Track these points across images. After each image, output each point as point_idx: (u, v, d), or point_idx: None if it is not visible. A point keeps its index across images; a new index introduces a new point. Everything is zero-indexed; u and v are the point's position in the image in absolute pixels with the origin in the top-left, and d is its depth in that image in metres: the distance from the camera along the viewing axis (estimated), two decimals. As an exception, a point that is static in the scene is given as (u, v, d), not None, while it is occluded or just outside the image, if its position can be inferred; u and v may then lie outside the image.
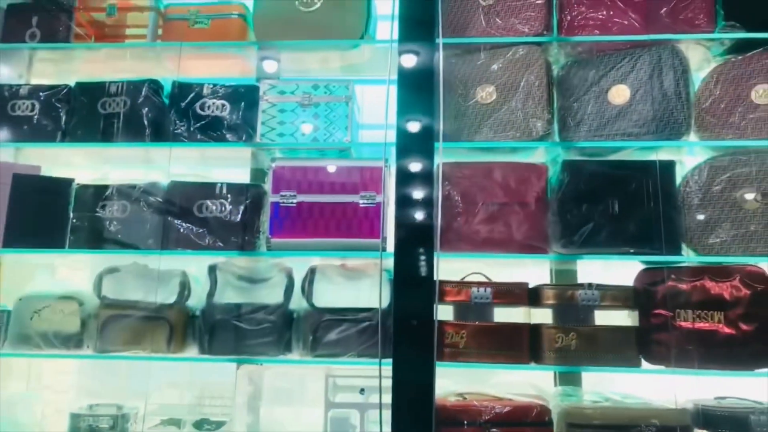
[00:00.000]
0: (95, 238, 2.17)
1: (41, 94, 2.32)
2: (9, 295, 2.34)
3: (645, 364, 1.90)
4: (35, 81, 2.50)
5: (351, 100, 2.22)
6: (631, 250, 1.96)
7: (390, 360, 1.87)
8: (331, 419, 1.94)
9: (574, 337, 1.90)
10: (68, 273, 2.39)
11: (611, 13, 2.08)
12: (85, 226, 2.18)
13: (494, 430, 1.84)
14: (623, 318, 2.00)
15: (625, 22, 2.07)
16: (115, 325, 2.07)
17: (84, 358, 2.07)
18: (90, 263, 2.46)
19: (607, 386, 2.15)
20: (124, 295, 2.12)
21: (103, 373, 2.36)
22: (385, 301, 1.97)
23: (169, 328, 2.06)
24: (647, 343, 1.89)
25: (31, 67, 2.56)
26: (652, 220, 1.94)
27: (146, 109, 2.26)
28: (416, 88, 2.03)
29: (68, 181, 2.26)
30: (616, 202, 1.95)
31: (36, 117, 2.30)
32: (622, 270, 2.24)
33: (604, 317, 2.01)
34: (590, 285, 1.94)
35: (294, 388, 2.08)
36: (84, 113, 2.29)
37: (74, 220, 2.20)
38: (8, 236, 2.17)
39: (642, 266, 2.00)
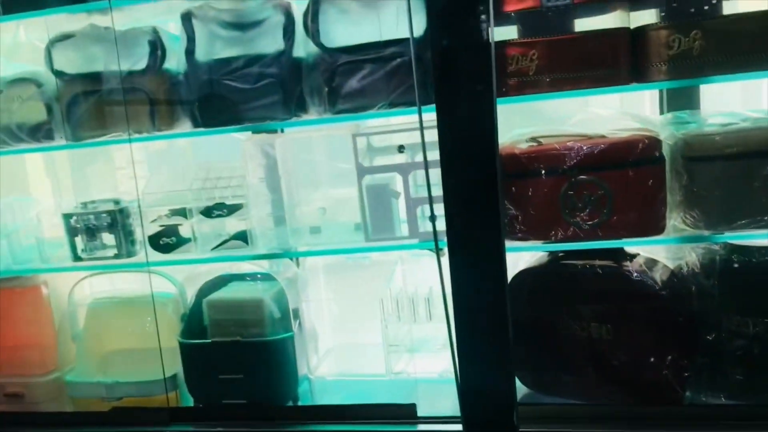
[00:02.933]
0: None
1: None
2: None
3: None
4: None
5: None
6: None
7: (433, 106, 1.38)
8: (367, 188, 1.52)
9: (698, 36, 1.30)
10: (24, 55, 1.90)
11: None
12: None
13: (583, 177, 1.37)
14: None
15: None
16: (82, 105, 1.63)
17: (57, 149, 1.69)
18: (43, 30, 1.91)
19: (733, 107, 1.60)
20: (84, 67, 1.65)
21: (90, 168, 2.01)
22: (419, 28, 1.41)
23: (148, 101, 1.60)
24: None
25: None
26: None
27: None
28: None
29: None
30: None
31: None
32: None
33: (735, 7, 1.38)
34: (725, -47, 1.28)
35: (315, 155, 1.64)
36: None
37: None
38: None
39: None
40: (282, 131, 1.75)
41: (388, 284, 1.60)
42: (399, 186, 1.51)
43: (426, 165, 1.37)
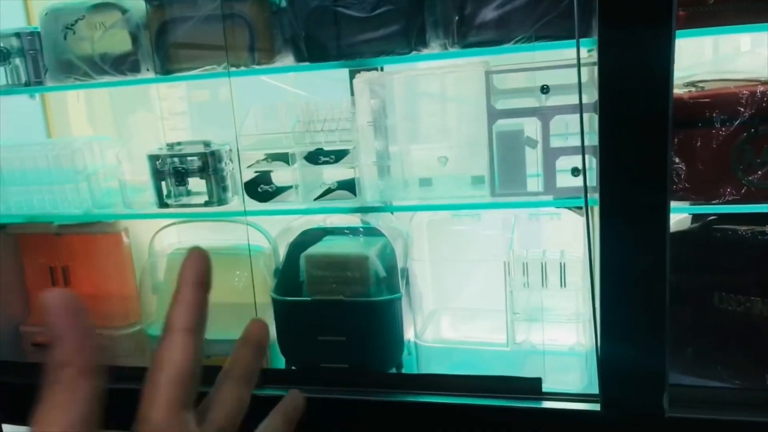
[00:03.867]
0: None
1: None
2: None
3: None
4: None
5: None
6: None
7: (592, 39, 1.19)
8: (497, 135, 1.33)
9: None
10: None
11: None
12: None
13: (766, 128, 1.17)
14: None
15: None
16: (173, 34, 1.46)
17: (144, 83, 1.53)
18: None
19: None
20: (176, -11, 1.47)
21: (176, 107, 1.86)
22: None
23: (248, 29, 1.43)
24: None
25: None
26: None
27: None
28: None
29: None
30: None
31: None
32: None
33: None
34: None
35: (434, 93, 1.45)
36: None
37: None
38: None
39: None
40: (381, 69, 1.56)
41: (509, 245, 1.43)
42: (536, 131, 1.33)
43: (581, 108, 1.18)
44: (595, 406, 1.29)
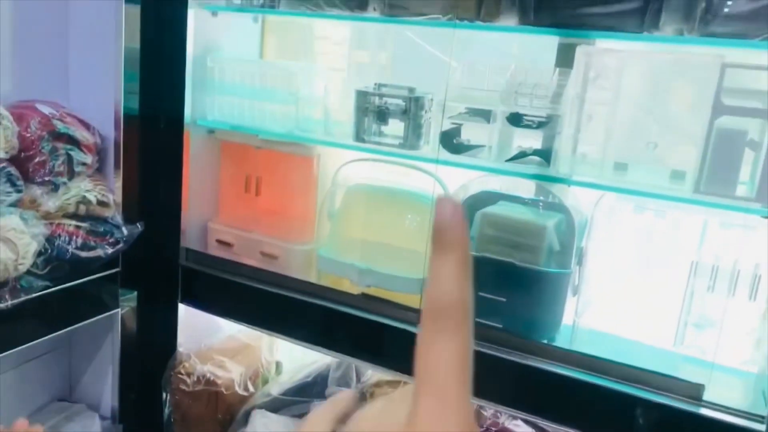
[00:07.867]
0: None
1: None
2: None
3: None
4: None
5: None
6: None
7: None
8: (718, 131, 1.29)
9: None
10: None
11: None
12: None
13: None
14: None
15: None
16: (407, -21, 1.54)
17: (371, 21, 1.63)
18: None
19: None
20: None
21: (336, 63, 1.96)
22: None
23: (479, -14, 1.47)
24: None
25: None
26: None
27: None
28: None
29: None
30: None
31: None
32: None
33: None
34: None
35: (657, 76, 1.41)
36: None
37: None
38: None
39: None
40: (593, 44, 1.54)
41: (698, 247, 1.39)
42: (759, 132, 1.27)
43: (830, 118, 1.11)
44: (760, 426, 1.24)
